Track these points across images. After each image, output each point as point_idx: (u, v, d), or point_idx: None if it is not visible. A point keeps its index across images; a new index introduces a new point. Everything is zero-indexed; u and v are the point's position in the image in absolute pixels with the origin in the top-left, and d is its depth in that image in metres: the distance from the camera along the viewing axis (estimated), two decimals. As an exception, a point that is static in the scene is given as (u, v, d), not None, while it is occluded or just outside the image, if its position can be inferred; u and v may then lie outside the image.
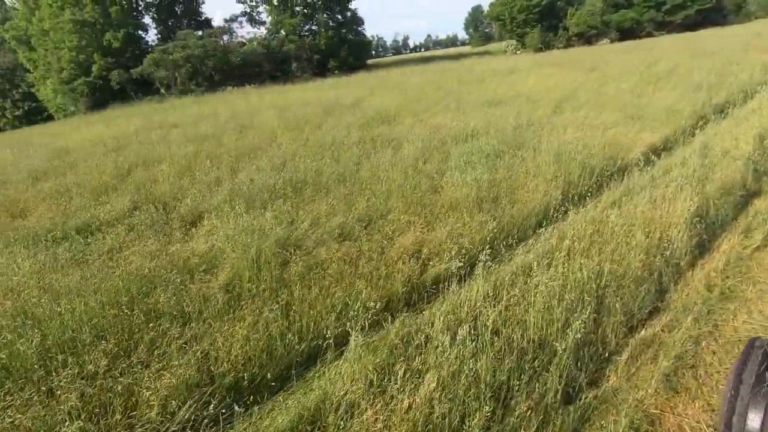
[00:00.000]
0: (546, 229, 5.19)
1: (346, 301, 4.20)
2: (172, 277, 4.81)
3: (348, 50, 46.88)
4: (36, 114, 54.95)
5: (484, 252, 4.15)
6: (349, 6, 48.92)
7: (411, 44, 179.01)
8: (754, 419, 2.14)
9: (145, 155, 13.08)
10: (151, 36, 45.85)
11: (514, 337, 3.30)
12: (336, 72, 44.12)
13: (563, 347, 3.18)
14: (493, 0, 58.52)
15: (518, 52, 51.02)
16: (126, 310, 4.18)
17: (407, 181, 7.24)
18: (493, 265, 4.64)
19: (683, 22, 48.56)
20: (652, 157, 6.93)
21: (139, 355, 3.67)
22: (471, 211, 6.11)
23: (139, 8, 43.97)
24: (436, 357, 3.10)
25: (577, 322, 3.30)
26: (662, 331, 3.70)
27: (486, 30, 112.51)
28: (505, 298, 3.73)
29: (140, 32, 44.08)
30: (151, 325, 3.96)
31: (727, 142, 7.69)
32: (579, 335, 3.25)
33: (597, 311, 3.69)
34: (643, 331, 3.66)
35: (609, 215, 4.98)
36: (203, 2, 48.19)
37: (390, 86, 23.68)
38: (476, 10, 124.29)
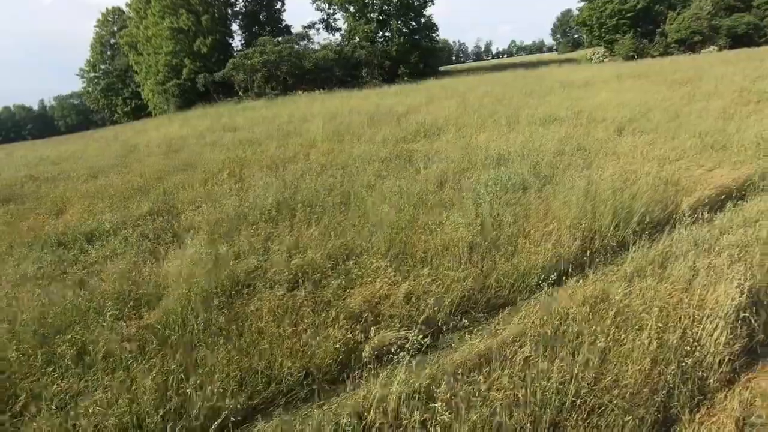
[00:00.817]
0: (529, 301, 4.08)
1: (256, 369, 3.55)
2: (106, 309, 4.51)
3: (418, 57, 46.22)
4: (140, 110, 61.92)
5: (412, 336, 3.21)
6: (424, 12, 48.26)
7: (494, 50, 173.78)
8: None
9: (191, 159, 13.60)
10: (236, 42, 49.02)
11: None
12: (405, 78, 43.67)
13: None
14: (582, 4, 54.42)
15: (605, 60, 46.67)
16: (34, 348, 3.91)
17: (403, 215, 6.38)
18: (446, 343, 3.70)
19: (818, 27, 41.10)
20: (699, 211, 5.30)
21: (13, 408, 3.33)
22: (460, 259, 5.14)
23: (228, 16, 47.29)
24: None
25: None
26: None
27: (575, 36, 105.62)
28: (417, 412, 2.80)
29: (227, 38, 47.40)
30: (43, 370, 3.64)
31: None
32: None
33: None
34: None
35: (616, 293, 3.75)
36: (284, 10, 50.59)
37: (450, 95, 22.63)
38: (566, 15, 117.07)
